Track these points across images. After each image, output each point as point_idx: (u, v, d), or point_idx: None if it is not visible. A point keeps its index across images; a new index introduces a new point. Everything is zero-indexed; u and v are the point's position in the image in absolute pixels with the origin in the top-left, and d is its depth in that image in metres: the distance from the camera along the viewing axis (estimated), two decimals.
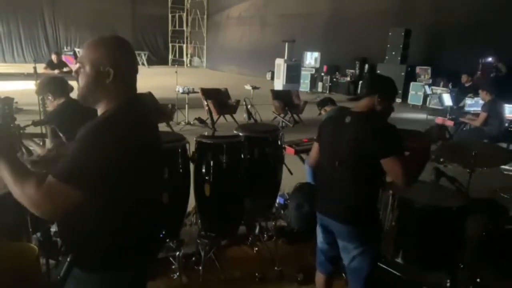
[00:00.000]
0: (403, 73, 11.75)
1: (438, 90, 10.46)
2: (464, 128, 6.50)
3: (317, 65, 14.47)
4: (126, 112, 1.29)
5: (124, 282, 1.37)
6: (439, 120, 6.71)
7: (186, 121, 7.95)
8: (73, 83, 3.04)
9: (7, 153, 1.20)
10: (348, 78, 13.76)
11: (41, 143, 3.08)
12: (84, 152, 1.18)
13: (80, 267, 1.35)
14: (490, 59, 9.34)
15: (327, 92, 14.05)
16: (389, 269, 2.78)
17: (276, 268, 2.94)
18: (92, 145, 1.18)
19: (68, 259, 1.35)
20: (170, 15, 23.70)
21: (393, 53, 11.95)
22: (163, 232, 2.67)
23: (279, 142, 3.33)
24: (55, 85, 3.00)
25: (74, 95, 2.97)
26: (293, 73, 12.53)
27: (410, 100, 11.64)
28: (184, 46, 24.01)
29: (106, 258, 1.32)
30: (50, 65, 8.90)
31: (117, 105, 1.30)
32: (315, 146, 2.29)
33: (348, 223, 2.01)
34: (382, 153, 1.86)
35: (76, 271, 1.36)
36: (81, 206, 1.18)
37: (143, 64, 21.68)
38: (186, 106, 8.09)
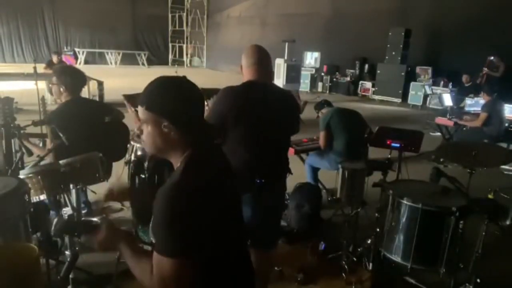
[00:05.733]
0: (403, 73, 11.73)
1: (438, 90, 10.47)
2: (464, 128, 6.50)
3: (317, 65, 14.45)
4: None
5: None
6: (439, 120, 6.72)
7: None
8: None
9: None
10: (348, 78, 13.75)
11: (41, 143, 3.07)
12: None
13: None
14: (492, 58, 9.31)
15: (327, 92, 14.05)
16: (389, 269, 2.79)
17: (276, 268, 2.93)
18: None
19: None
20: (170, 15, 23.70)
21: (393, 53, 11.94)
22: None
23: None
24: (74, 80, 2.93)
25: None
26: (293, 73, 12.47)
27: (410, 100, 11.62)
28: (184, 46, 24.01)
29: None
30: (51, 65, 8.87)
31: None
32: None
33: None
34: None
35: None
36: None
37: (143, 64, 21.69)
38: None
